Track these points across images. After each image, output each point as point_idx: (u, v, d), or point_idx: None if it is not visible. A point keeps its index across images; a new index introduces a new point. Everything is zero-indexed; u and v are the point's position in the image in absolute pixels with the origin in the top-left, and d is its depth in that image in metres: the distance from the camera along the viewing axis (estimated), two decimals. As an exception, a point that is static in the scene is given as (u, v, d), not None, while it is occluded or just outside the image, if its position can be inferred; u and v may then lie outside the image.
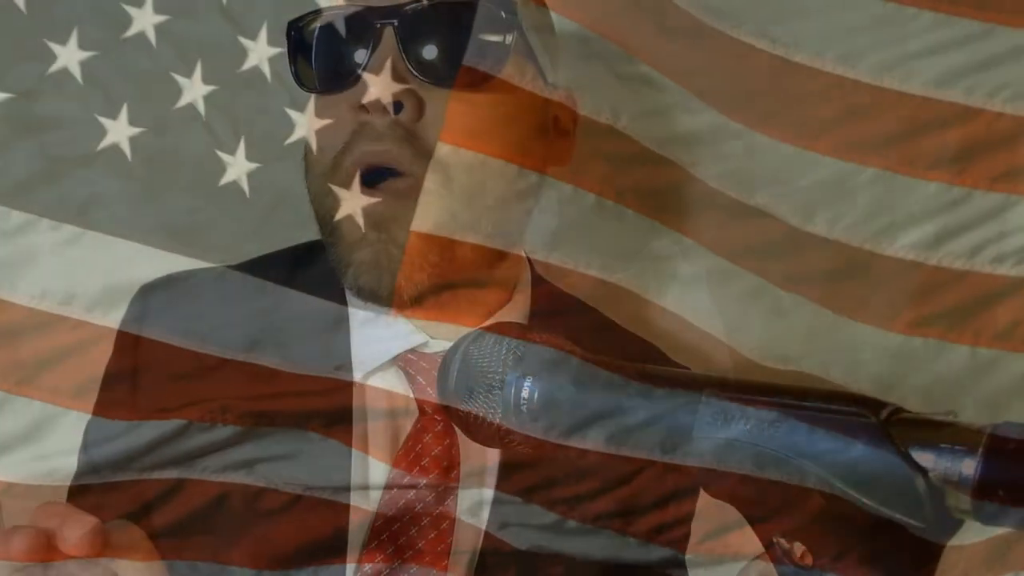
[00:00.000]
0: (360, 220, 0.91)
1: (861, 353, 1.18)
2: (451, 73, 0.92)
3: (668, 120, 1.18)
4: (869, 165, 1.17)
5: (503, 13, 0.95)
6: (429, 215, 0.92)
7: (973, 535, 0.65)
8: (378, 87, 0.89)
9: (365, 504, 0.94)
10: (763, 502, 0.68)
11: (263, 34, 0.95)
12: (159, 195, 1.08)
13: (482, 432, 0.73)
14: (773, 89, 1.15)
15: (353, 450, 0.94)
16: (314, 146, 0.94)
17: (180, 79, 0.95)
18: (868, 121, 1.17)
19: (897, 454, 0.64)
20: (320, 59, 0.94)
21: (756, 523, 0.69)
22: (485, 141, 0.94)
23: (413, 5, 0.92)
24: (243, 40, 0.95)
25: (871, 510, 0.65)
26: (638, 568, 0.99)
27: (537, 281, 1.07)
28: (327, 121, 0.92)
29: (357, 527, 0.94)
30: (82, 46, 0.93)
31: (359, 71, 0.92)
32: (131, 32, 0.94)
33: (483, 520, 0.96)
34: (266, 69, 0.96)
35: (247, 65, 0.95)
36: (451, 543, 0.94)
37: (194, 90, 0.94)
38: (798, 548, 0.67)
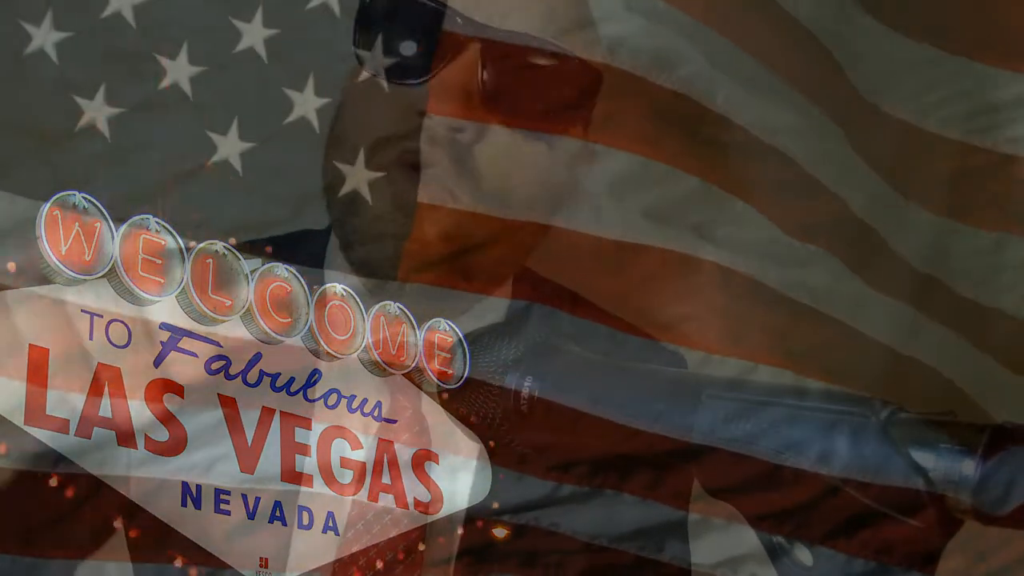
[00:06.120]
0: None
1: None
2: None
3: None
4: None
5: None
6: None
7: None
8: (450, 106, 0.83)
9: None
10: (763, 501, 0.68)
11: (259, 16, 0.94)
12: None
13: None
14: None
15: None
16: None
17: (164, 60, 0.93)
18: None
19: (897, 454, 0.64)
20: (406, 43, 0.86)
21: (756, 522, 0.69)
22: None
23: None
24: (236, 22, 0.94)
25: (871, 509, 0.65)
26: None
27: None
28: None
29: None
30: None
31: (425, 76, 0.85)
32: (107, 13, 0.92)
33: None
34: (262, 50, 0.94)
35: (241, 47, 0.94)
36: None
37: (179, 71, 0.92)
38: (798, 548, 0.67)
